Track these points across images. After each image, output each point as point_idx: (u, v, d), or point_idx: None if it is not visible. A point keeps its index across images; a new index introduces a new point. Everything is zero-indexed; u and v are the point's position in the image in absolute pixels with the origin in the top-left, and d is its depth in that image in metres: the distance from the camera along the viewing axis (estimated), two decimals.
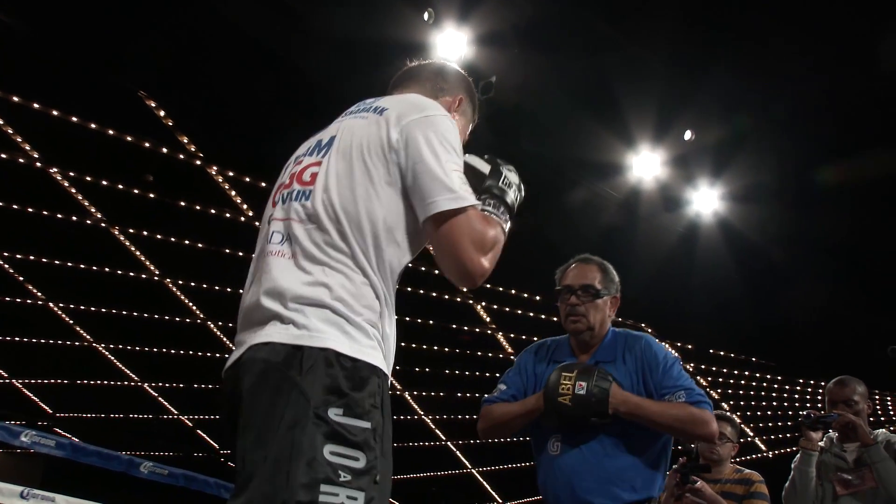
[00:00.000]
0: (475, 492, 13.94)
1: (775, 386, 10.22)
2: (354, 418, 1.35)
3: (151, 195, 6.64)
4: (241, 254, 7.42)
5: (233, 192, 6.81)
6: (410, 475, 14.16)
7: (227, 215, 6.99)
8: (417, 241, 1.56)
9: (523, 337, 9.39)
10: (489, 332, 9.49)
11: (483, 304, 8.79)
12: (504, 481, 13.75)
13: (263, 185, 6.44)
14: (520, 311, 8.66)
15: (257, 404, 1.38)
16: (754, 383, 10.22)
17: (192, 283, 8.38)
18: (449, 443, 12.72)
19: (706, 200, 6.66)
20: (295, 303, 1.43)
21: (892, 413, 10.87)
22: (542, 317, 8.69)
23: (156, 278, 8.29)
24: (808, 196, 6.38)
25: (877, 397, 10.17)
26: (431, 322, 8.95)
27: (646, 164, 6.23)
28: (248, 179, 6.56)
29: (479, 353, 9.76)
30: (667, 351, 2.51)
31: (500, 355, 10.05)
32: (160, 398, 11.62)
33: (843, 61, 5.13)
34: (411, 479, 14.23)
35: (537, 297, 8.24)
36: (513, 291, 8.22)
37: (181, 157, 6.30)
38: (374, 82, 5.33)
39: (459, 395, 10.89)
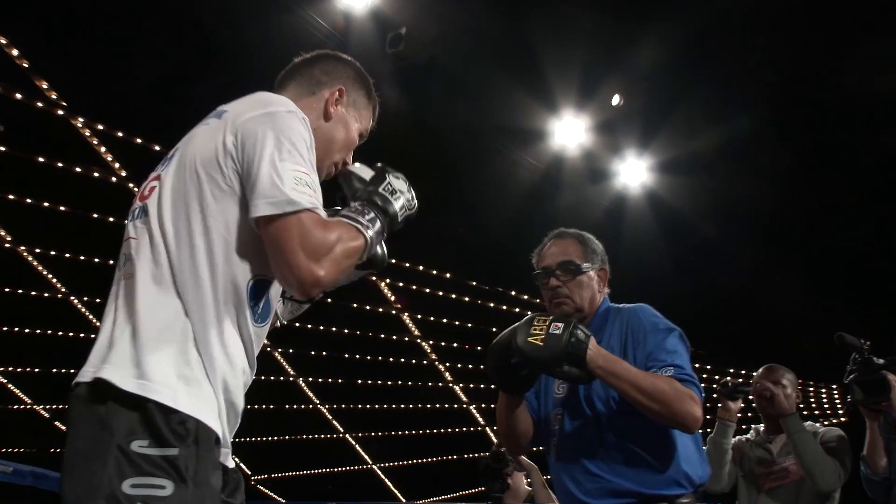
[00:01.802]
0: (376, 489, 14.16)
1: (704, 376, 10.60)
2: (159, 447, 1.45)
3: (2, 148, 6.47)
4: (111, 219, 7.32)
5: (102, 149, 6.70)
6: (303, 471, 14.27)
7: (96, 175, 6.87)
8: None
9: (431, 318, 9.60)
10: (394, 312, 9.66)
11: (387, 281, 8.94)
12: (408, 478, 14.02)
13: (139, 141, 6.37)
14: (428, 290, 8.85)
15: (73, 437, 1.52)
16: None
17: (52, 252, 8.19)
18: (347, 435, 12.88)
19: (634, 172, 7.00)
20: (116, 331, 1.57)
21: (825, 405, 11.53)
22: (453, 296, 8.91)
23: (7, 245, 8.08)
24: (743, 168, 6.74)
25: (811, 389, 10.80)
26: (329, 300, 9.06)
27: (569, 131, 6.48)
28: (120, 135, 6.48)
29: (383, 336, 9.92)
30: (665, 321, 2.46)
31: (406, 338, 10.24)
32: (9, 385, 11.31)
33: (782, 16, 5.42)
34: (304, 476, 14.34)
35: (447, 275, 8.44)
36: (420, 268, 8.38)
37: (39, 105, 6.16)
38: (273, 32, 5.41)
39: (360, 381, 11.05)
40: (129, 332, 1.54)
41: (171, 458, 1.44)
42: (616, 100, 6.20)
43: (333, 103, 1.87)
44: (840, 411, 11.30)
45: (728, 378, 3.67)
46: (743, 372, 10.24)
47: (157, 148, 6.45)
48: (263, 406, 11.23)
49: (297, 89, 1.89)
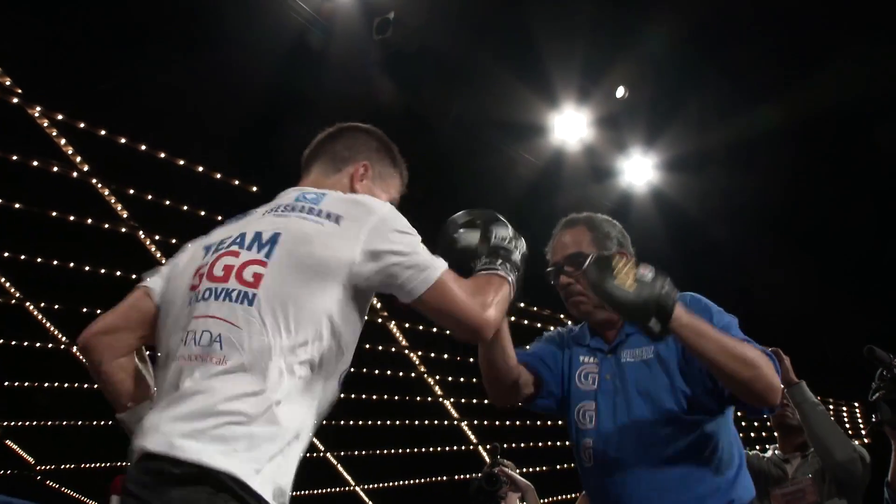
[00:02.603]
0: None
1: None
2: None
3: None
4: (71, 218, 7.24)
5: (62, 141, 6.62)
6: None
7: (55, 169, 6.79)
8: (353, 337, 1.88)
9: (420, 327, 9.56)
10: (379, 320, 9.61)
11: None
12: (394, 500, 13.98)
13: (103, 133, 6.30)
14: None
15: None
16: None
17: (6, 255, 8.10)
18: (328, 454, 12.82)
19: (639, 169, 6.95)
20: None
21: (846, 424, 11.51)
22: None
23: None
24: (756, 166, 6.71)
25: (830, 406, 10.77)
26: None
27: (570, 125, 6.44)
28: (83, 125, 6.40)
29: (367, 346, 9.86)
30: (716, 306, 2.38)
31: (394, 348, 10.19)
32: None
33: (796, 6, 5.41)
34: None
35: None
36: None
37: None
38: (253, 18, 5.35)
39: (342, 395, 10.97)
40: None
41: None
42: (621, 92, 6.17)
43: (359, 179, 2.04)
44: (863, 431, 11.28)
45: None
46: None
47: (122, 140, 6.37)
48: None
49: (323, 168, 2.06)
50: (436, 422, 11.94)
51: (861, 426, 10.98)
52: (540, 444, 11.79)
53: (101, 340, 1.86)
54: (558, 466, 11.69)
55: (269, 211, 1.88)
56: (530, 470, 11.07)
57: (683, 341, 2.17)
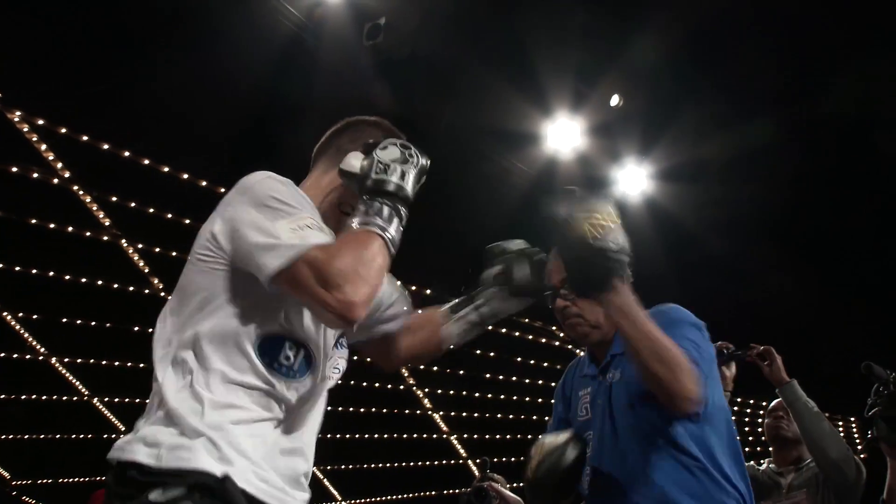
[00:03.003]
0: None
1: None
2: None
3: None
4: (51, 226, 7.21)
5: (43, 147, 6.59)
6: None
7: (35, 175, 6.76)
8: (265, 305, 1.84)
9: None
10: None
11: None
12: None
13: (85, 138, 6.28)
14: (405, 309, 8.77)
15: None
16: None
17: None
18: (314, 468, 12.78)
19: (633, 179, 6.96)
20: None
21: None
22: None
23: None
24: (754, 177, 6.72)
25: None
26: None
27: (563, 134, 6.44)
28: (64, 131, 6.38)
29: (356, 358, 9.84)
30: (692, 318, 2.43)
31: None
32: None
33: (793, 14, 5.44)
34: None
35: (427, 291, 8.39)
36: (397, 283, 8.32)
37: None
38: (239, 22, 5.33)
39: (328, 408, 10.95)
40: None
41: None
42: (615, 100, 6.17)
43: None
44: (859, 447, 11.30)
45: (720, 342, 3.66)
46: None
47: (105, 146, 6.35)
48: None
49: (325, 163, 2.09)
50: (424, 435, 11.91)
51: (857, 441, 11.00)
52: None
53: None
54: None
55: None
56: (520, 485, 11.04)
57: (616, 322, 2.20)
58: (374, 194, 1.82)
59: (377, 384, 10.51)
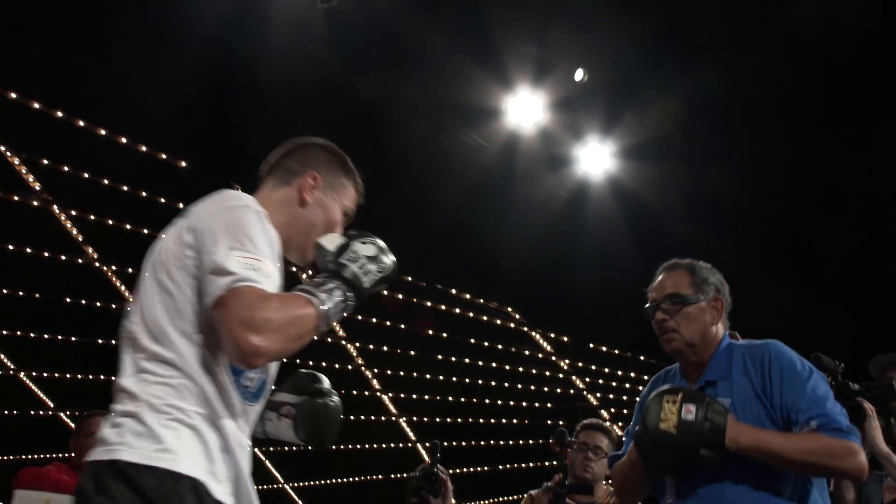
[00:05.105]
0: None
1: None
2: None
3: None
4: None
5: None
6: None
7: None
8: None
9: (359, 317, 9.52)
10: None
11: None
12: (326, 499, 13.96)
13: (14, 96, 6.16)
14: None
15: None
16: (642, 388, 10.73)
17: None
18: (256, 449, 12.75)
19: (596, 157, 7.01)
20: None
21: None
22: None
23: None
24: (721, 156, 6.82)
25: None
26: None
27: (525, 108, 6.46)
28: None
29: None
30: (802, 361, 2.62)
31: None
32: None
33: None
34: None
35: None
36: None
37: None
38: None
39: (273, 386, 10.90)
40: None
41: None
42: (580, 74, 6.19)
43: (309, 190, 2.21)
44: None
45: None
46: None
47: (36, 106, 6.23)
48: None
49: (275, 182, 2.24)
50: (372, 417, 11.94)
51: None
52: (482, 442, 11.86)
53: None
54: (500, 467, 11.77)
55: None
56: (471, 470, 11.14)
57: (745, 454, 2.44)
58: (332, 274, 2.04)
59: (324, 363, 10.51)
